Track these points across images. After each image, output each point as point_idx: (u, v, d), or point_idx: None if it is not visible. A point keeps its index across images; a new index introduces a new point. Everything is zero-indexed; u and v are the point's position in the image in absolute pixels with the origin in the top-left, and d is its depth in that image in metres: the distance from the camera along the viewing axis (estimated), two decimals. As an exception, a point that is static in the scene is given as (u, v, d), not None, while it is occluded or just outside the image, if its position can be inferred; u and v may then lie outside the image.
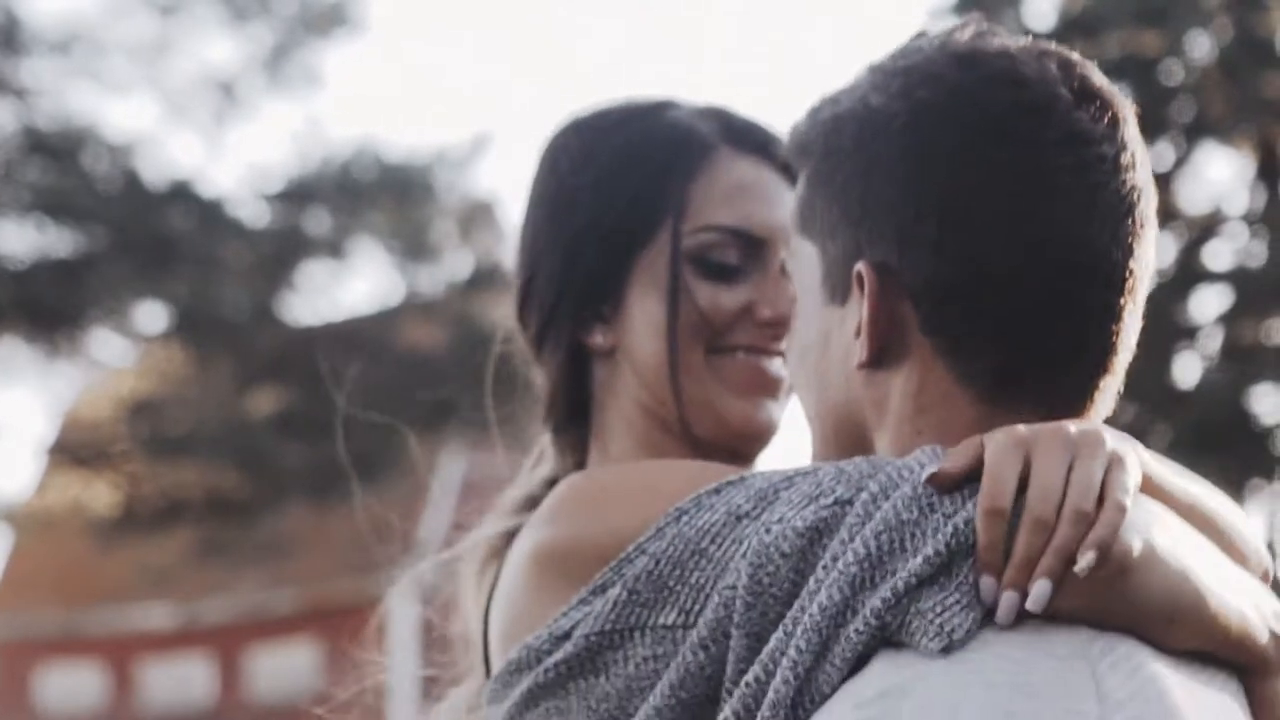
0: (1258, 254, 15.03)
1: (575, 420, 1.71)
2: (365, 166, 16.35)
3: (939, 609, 1.17)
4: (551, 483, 1.66)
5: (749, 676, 1.21)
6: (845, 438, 1.39)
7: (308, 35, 16.39)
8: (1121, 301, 1.34)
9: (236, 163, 26.89)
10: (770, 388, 1.68)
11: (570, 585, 1.36)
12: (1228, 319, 14.93)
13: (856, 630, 1.18)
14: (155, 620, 22.86)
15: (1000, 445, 1.22)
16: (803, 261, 1.42)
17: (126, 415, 16.98)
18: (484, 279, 17.37)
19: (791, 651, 1.19)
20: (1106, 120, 1.33)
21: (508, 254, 18.17)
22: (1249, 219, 15.25)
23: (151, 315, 16.67)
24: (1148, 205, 1.36)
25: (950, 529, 1.19)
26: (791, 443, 1.65)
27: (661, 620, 1.28)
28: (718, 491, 1.31)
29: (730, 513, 1.28)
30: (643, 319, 1.64)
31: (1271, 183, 15.14)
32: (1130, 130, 1.35)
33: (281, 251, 16.39)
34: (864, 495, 1.24)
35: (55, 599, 23.43)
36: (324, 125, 21.39)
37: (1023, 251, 1.31)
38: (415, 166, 16.55)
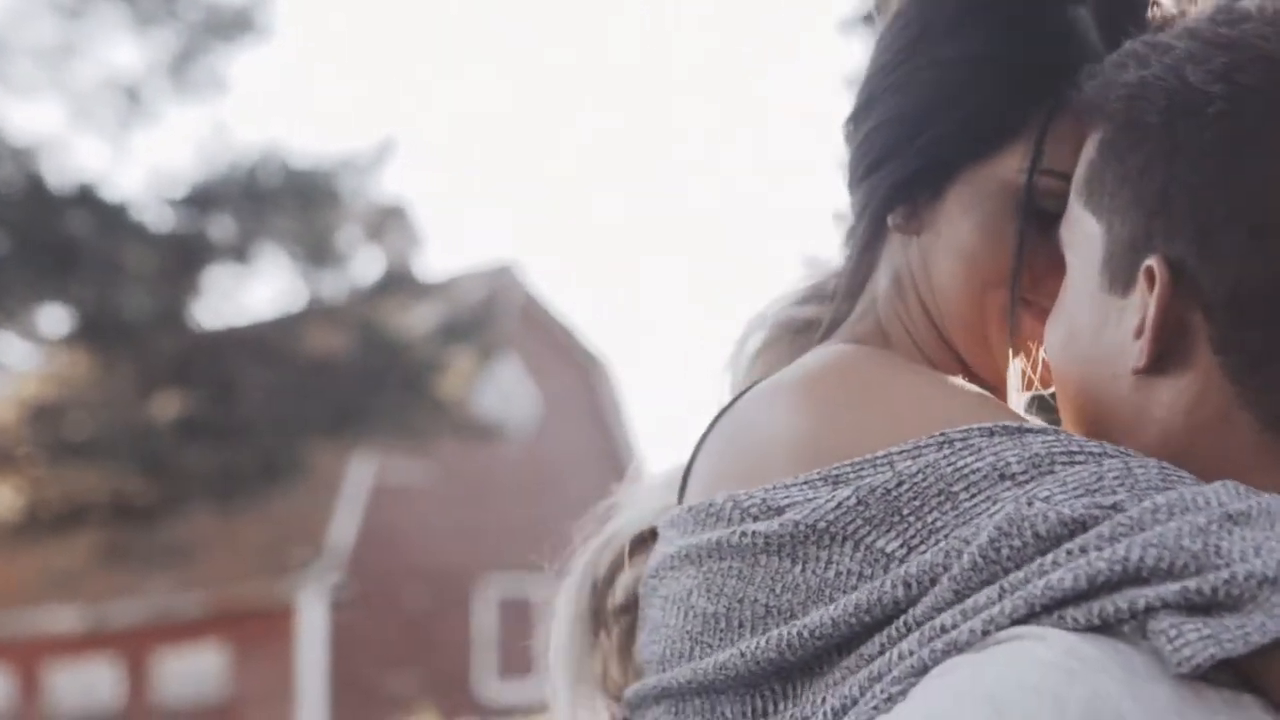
0: None
1: (858, 277, 1.53)
2: (270, 172, 16.36)
3: (1180, 634, 1.03)
4: (809, 327, 1.55)
5: (939, 620, 1.11)
6: (1097, 437, 1.24)
7: (213, 40, 16.38)
8: None
9: (141, 167, 26.73)
10: None
11: (800, 470, 1.27)
12: None
13: (1074, 617, 1.06)
14: (62, 624, 22.72)
15: None
16: (1082, 235, 1.28)
17: (29, 419, 16.90)
18: (389, 284, 17.44)
19: (994, 609, 1.08)
20: None
21: (416, 259, 18.04)
22: None
23: (55, 319, 16.61)
24: None
25: (1228, 575, 1.04)
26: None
27: (880, 544, 1.18)
28: (991, 434, 1.20)
29: (996, 467, 1.17)
30: (954, 239, 1.43)
31: None
32: None
33: (186, 256, 16.38)
34: (1146, 504, 1.10)
35: (-40, 603, 23.28)
36: (229, 130, 21.27)
37: None
38: (320, 172, 16.58)
